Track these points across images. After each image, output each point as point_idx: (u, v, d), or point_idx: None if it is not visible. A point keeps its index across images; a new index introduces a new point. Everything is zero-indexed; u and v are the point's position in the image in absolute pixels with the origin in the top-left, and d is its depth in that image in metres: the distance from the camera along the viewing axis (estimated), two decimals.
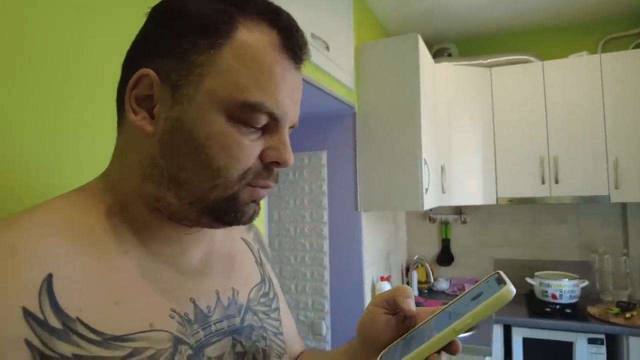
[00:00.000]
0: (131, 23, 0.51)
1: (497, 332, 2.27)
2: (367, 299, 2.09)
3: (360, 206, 2.04)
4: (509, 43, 2.82)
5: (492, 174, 2.55)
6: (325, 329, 2.06)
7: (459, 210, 2.90)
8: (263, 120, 0.43)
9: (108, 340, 0.38)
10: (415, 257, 2.53)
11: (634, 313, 2.14)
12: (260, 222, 1.34)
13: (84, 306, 0.38)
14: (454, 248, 2.94)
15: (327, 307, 2.06)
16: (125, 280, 0.42)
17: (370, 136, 2.03)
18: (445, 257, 2.94)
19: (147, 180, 0.44)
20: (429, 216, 2.98)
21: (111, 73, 0.56)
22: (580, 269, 2.57)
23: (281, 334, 0.59)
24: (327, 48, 1.61)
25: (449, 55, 2.88)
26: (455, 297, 0.45)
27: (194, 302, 0.47)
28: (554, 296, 2.29)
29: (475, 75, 2.55)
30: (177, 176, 0.43)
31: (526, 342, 2.24)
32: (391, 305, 0.48)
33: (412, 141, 1.94)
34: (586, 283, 2.35)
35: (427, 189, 1.99)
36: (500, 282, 0.39)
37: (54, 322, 0.36)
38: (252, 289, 0.57)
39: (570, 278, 2.34)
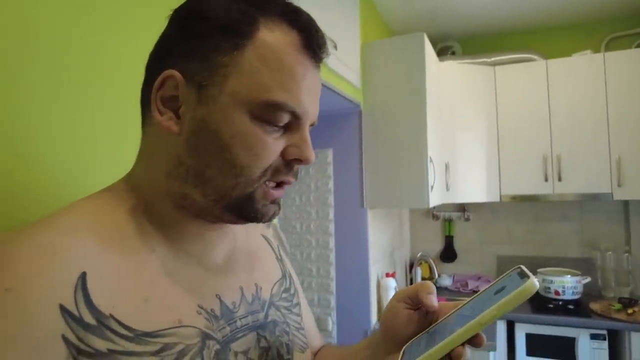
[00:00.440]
0: (152, 25, 0.52)
1: (501, 327, 2.30)
2: (373, 295, 2.11)
3: (366, 203, 2.06)
4: (512, 41, 2.84)
5: (495, 171, 2.57)
6: (331, 324, 2.08)
7: (462, 208, 2.92)
8: (285, 118, 0.44)
9: (139, 336, 0.39)
10: (419, 254, 2.55)
11: (636, 309, 2.16)
12: None
13: (116, 303, 0.39)
14: (457, 245, 2.96)
15: (333, 303, 2.09)
16: (154, 278, 0.43)
17: (376, 134, 2.05)
18: (448, 253, 2.96)
19: (173, 178, 0.45)
20: (433, 213, 3.00)
21: (134, 76, 0.57)
22: (583, 265, 2.59)
23: (303, 328, 0.60)
24: (335, 47, 1.62)
25: (453, 53, 2.90)
26: (476, 293, 0.45)
27: (219, 298, 0.48)
28: (556, 292, 2.32)
29: (479, 74, 2.57)
30: (203, 174, 0.44)
31: (529, 337, 2.27)
32: (414, 300, 0.48)
33: (418, 139, 1.96)
34: (588, 279, 2.38)
35: (432, 187, 2.01)
36: (523, 276, 0.40)
37: (88, 318, 0.37)
38: (274, 284, 0.59)
39: (573, 275, 2.36)
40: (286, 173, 0.46)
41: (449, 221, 2.97)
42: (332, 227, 2.10)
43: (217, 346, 0.45)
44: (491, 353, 1.96)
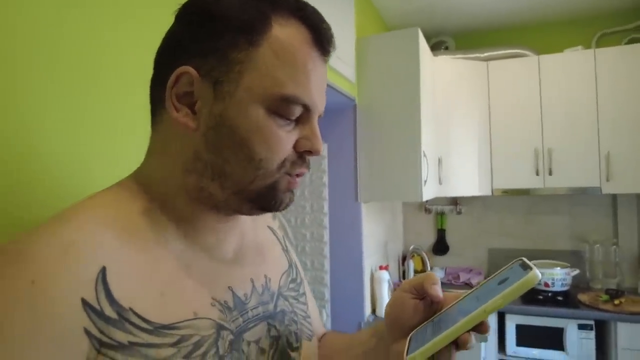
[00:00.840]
0: (153, 24, 0.51)
1: (492, 319, 2.34)
2: (367, 288, 2.14)
3: (360, 197, 2.08)
4: (505, 37, 2.86)
5: (487, 165, 2.60)
6: (326, 316, 2.11)
7: (454, 201, 2.96)
8: (298, 112, 0.45)
9: (158, 329, 0.40)
10: (412, 247, 2.58)
11: (622, 300, 2.22)
12: None
13: (135, 297, 0.40)
14: (449, 238, 3.00)
15: (327, 295, 2.11)
16: (169, 272, 0.44)
17: (371, 128, 2.07)
18: (440, 247, 3.00)
19: (190, 173, 0.46)
20: (425, 207, 3.03)
21: (134, 76, 0.56)
22: (572, 258, 2.64)
23: (309, 317, 0.62)
24: None
25: (446, 48, 2.91)
26: (479, 284, 0.47)
27: (232, 290, 0.49)
28: (546, 284, 2.37)
29: (472, 69, 2.59)
30: (222, 168, 0.45)
31: (519, 328, 2.32)
32: (419, 290, 0.50)
33: (412, 134, 1.98)
34: (577, 272, 2.43)
35: (425, 181, 2.03)
36: (526, 267, 0.42)
37: (109, 312, 0.38)
38: (281, 275, 0.60)
39: (562, 267, 2.41)
40: (301, 164, 0.48)
41: (441, 215, 3.00)
42: (326, 221, 2.12)
43: (231, 336, 0.46)
44: (482, 344, 2.00)
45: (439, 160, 2.40)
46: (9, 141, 0.57)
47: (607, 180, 2.36)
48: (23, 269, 0.35)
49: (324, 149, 2.12)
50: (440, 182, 2.41)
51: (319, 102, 0.47)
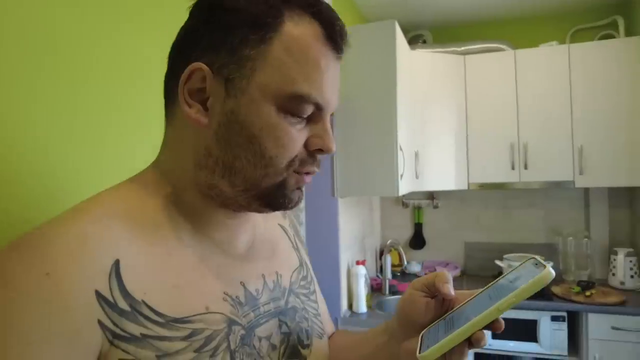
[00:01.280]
0: (153, 24, 0.52)
1: None
2: (343, 283, 2.13)
3: (337, 192, 2.05)
4: (482, 31, 2.87)
5: (464, 159, 2.61)
6: None
7: (431, 196, 2.97)
8: (309, 110, 0.45)
9: (170, 322, 0.41)
10: (389, 242, 2.58)
11: (593, 291, 2.27)
12: None
13: (147, 290, 0.40)
14: (426, 232, 3.01)
15: None
16: (182, 266, 0.44)
17: (347, 122, 2.04)
18: (417, 241, 3.01)
19: (201, 168, 0.46)
20: (402, 201, 3.03)
21: (135, 75, 0.57)
22: (546, 251, 2.69)
23: (320, 315, 0.63)
24: None
25: (424, 42, 2.90)
26: (490, 282, 0.48)
27: (244, 285, 0.50)
28: None
29: (449, 63, 2.58)
30: (232, 165, 0.45)
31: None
32: (430, 289, 0.50)
33: (388, 127, 1.96)
34: (551, 264, 2.46)
35: (402, 175, 2.02)
36: (539, 265, 0.42)
37: (122, 304, 0.38)
38: (292, 272, 0.61)
39: None
40: (311, 163, 0.48)
41: (418, 209, 3.01)
42: (303, 216, 2.08)
43: (242, 331, 0.47)
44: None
45: (416, 154, 2.40)
46: (8, 142, 0.58)
47: (580, 174, 2.40)
48: (38, 262, 0.36)
49: None
50: (416, 177, 2.40)
51: (331, 101, 0.47)
